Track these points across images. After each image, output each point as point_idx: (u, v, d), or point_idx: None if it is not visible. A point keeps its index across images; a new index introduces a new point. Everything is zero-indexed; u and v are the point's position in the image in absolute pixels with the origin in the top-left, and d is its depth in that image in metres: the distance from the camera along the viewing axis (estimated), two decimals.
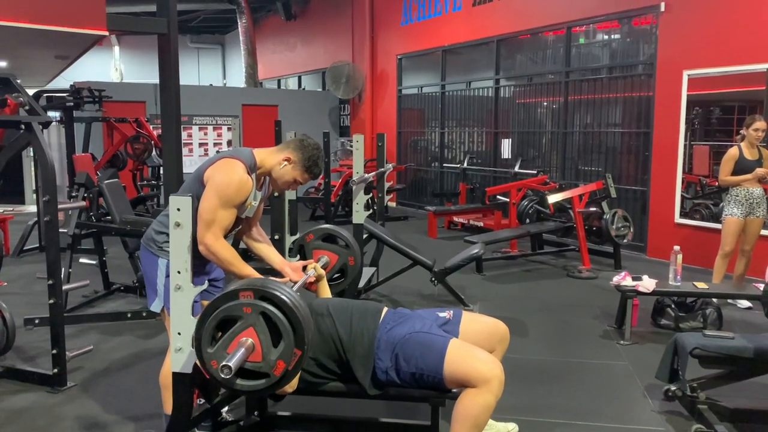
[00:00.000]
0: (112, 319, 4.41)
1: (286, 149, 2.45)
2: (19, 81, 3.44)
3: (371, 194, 4.91)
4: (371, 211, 4.71)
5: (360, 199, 4.29)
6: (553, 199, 6.24)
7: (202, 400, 2.31)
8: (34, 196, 9.43)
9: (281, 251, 3.76)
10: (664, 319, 4.31)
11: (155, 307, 2.47)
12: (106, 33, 3.68)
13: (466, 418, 2.12)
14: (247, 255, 3.03)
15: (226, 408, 2.69)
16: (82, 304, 4.75)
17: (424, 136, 10.94)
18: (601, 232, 6.10)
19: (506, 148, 8.93)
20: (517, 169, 8.23)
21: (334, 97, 12.06)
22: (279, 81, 15.34)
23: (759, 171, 4.63)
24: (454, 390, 2.20)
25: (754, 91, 5.79)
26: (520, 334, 4.18)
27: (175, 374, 2.04)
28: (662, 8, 6.45)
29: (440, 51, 10.03)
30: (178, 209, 1.95)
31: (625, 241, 6.12)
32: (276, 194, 3.47)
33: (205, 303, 1.94)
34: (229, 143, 10.73)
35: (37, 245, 6.69)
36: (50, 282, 3.22)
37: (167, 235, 2.10)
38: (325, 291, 2.70)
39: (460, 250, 5.14)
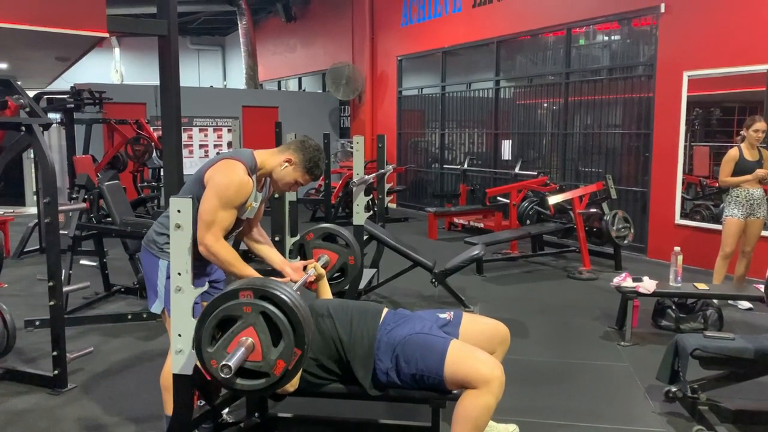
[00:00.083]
0: (112, 320, 4.41)
1: (287, 150, 2.45)
2: (19, 83, 3.45)
3: (371, 196, 4.92)
4: (371, 212, 4.72)
5: (360, 201, 4.29)
6: (553, 200, 6.24)
7: (203, 402, 2.31)
8: (35, 197, 9.44)
9: (282, 253, 3.76)
10: (665, 320, 4.31)
11: (156, 308, 2.47)
12: (107, 35, 3.68)
13: (466, 420, 2.12)
14: (248, 256, 3.04)
15: (226, 409, 2.69)
16: (82, 306, 4.75)
17: (424, 138, 10.95)
18: (601, 233, 6.10)
19: (506, 149, 8.94)
20: (517, 170, 8.22)
21: (334, 99, 12.06)
22: (279, 82, 15.36)
23: (759, 172, 4.63)
24: (455, 391, 2.20)
25: (755, 92, 5.79)
26: (520, 335, 4.18)
27: (175, 376, 2.04)
28: (662, 9, 6.45)
29: (440, 52, 10.04)
30: (179, 211, 1.95)
31: (625, 242, 6.12)
32: (276, 196, 3.47)
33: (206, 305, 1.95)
34: (230, 145, 10.74)
35: (38, 247, 6.70)
36: (51, 284, 3.22)
37: (168, 236, 2.10)
38: (326, 290, 2.70)
39: (461, 251, 5.14)
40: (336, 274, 2.93)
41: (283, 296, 1.86)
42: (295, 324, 1.85)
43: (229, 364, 1.77)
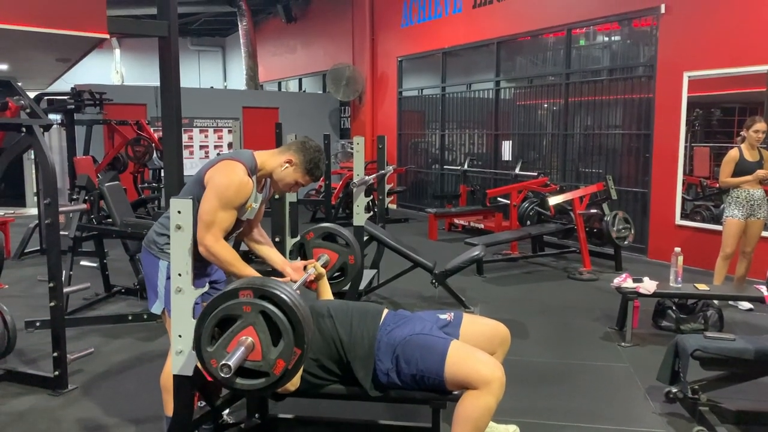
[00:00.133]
0: (113, 321, 4.41)
1: (288, 151, 2.45)
2: (20, 84, 3.46)
3: (372, 196, 4.92)
4: (372, 213, 4.72)
5: (360, 202, 4.29)
6: (553, 201, 6.24)
7: (203, 403, 2.31)
8: (35, 198, 9.43)
9: (282, 253, 3.76)
10: (665, 321, 4.31)
11: (156, 309, 2.48)
12: (107, 36, 3.68)
13: (467, 420, 2.12)
14: (249, 256, 3.03)
15: (227, 410, 2.69)
16: (83, 307, 4.75)
17: (424, 138, 10.95)
18: (601, 233, 6.10)
19: (507, 150, 8.93)
20: (517, 171, 8.22)
21: (334, 100, 12.07)
22: (279, 83, 15.37)
23: (759, 173, 4.63)
24: (455, 392, 2.20)
25: (755, 93, 5.79)
26: (520, 336, 4.18)
27: (176, 376, 2.04)
28: (662, 10, 6.45)
29: (440, 53, 10.04)
30: (179, 212, 1.95)
31: (625, 242, 6.12)
32: (277, 196, 3.47)
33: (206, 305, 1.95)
34: (230, 146, 10.75)
35: (38, 248, 6.70)
36: (51, 284, 3.22)
37: (168, 237, 2.10)
38: (326, 289, 2.70)
39: (461, 252, 5.14)
40: (336, 274, 2.93)
41: (282, 295, 1.86)
42: (295, 323, 1.85)
43: (229, 363, 1.77)
